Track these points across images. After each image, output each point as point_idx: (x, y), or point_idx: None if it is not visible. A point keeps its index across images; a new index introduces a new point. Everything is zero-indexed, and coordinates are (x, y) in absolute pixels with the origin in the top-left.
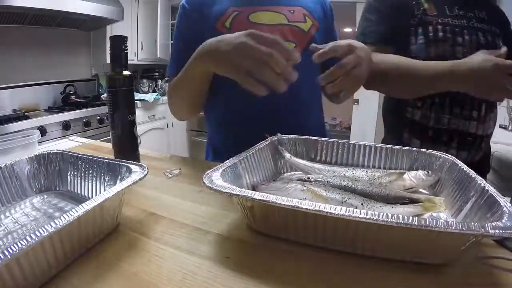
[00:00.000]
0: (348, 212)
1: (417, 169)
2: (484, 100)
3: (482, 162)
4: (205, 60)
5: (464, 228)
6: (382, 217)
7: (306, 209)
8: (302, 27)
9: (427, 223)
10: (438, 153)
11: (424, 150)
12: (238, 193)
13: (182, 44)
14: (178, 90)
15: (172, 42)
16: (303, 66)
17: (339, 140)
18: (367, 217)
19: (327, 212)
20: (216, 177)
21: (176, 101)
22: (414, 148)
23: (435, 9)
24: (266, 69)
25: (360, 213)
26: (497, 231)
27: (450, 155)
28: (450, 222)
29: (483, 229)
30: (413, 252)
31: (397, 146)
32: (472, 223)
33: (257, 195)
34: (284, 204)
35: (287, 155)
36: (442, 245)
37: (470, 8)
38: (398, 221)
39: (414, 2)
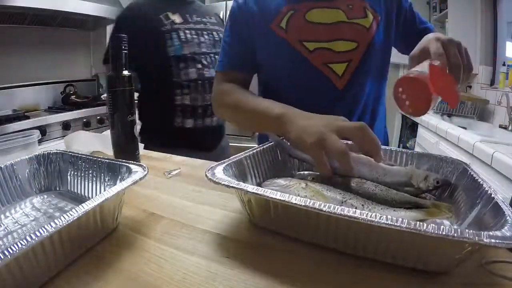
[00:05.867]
0: (334, 209)
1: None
2: None
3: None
4: (281, 132)
5: (456, 234)
6: (370, 217)
7: (295, 204)
8: (364, 24)
9: (417, 226)
10: (449, 158)
11: (435, 154)
12: (235, 186)
13: (236, 40)
14: (240, 116)
15: (225, 36)
16: (368, 64)
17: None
18: (351, 214)
19: (315, 208)
20: (219, 170)
21: (228, 115)
22: (425, 152)
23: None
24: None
25: (349, 212)
26: (492, 240)
27: (462, 161)
28: (442, 227)
29: (477, 237)
30: (408, 257)
31: (406, 150)
32: (466, 230)
33: (251, 188)
34: (276, 198)
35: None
36: (437, 252)
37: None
38: (387, 221)
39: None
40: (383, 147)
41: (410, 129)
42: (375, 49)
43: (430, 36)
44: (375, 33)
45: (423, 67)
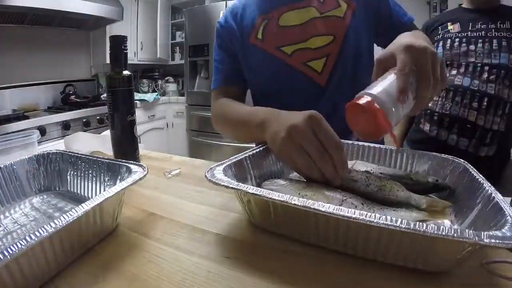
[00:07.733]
0: (334, 210)
1: (427, 173)
2: (487, 93)
3: (494, 158)
4: (261, 137)
5: (456, 235)
6: (370, 217)
7: (295, 204)
8: (337, 14)
9: (417, 226)
10: (450, 157)
11: (436, 153)
12: (234, 186)
13: (224, 57)
14: (229, 126)
15: (215, 55)
16: (348, 53)
17: (343, 141)
18: (350, 215)
19: (314, 209)
20: (219, 171)
21: (222, 129)
22: (426, 152)
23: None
24: (313, 166)
25: (349, 212)
26: (492, 240)
27: (462, 160)
28: (442, 227)
29: (477, 237)
30: (408, 257)
31: (406, 149)
32: (466, 230)
33: (250, 189)
34: (275, 199)
35: None
36: (437, 252)
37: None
38: (386, 222)
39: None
40: (383, 146)
41: None
42: (354, 36)
43: (402, 40)
44: (350, 21)
45: (387, 79)
